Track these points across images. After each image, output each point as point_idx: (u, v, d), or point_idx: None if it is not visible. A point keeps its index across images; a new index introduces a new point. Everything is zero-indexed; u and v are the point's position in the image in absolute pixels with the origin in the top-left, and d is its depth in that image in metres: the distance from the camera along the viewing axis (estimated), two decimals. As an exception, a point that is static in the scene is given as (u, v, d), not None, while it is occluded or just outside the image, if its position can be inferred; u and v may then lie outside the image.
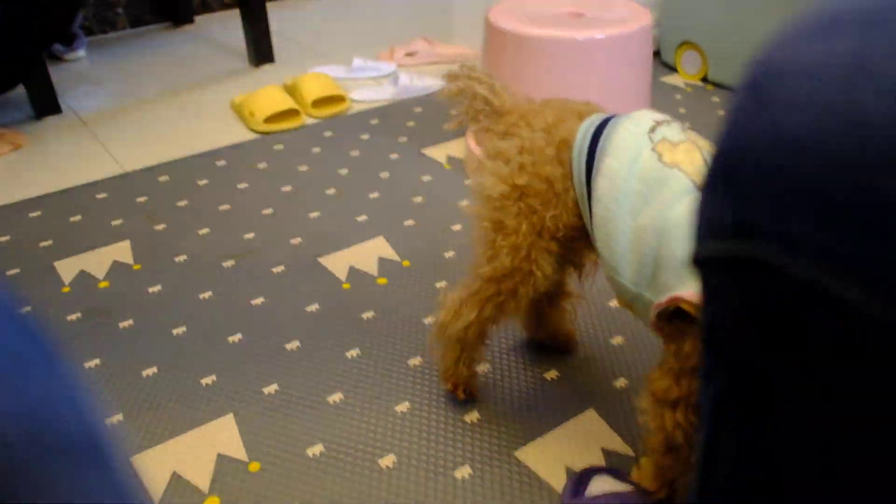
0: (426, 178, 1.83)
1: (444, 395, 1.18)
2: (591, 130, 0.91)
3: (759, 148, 0.27)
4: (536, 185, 0.93)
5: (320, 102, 2.21)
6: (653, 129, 0.87)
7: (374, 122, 2.14)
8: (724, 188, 0.30)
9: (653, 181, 0.83)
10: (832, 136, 0.24)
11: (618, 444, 1.09)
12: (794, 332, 0.28)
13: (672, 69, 2.40)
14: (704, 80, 2.31)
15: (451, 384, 1.15)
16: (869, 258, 0.24)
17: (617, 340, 1.28)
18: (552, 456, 1.07)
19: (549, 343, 1.26)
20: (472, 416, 1.14)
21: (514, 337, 1.29)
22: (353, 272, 1.48)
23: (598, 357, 1.25)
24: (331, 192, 1.78)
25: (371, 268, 1.49)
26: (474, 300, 1.03)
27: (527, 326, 1.25)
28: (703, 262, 0.34)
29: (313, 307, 1.39)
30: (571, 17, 1.70)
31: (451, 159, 1.92)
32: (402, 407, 1.16)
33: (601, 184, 0.89)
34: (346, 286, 1.44)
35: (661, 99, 2.19)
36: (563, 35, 1.58)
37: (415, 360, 1.25)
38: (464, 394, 1.15)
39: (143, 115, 2.26)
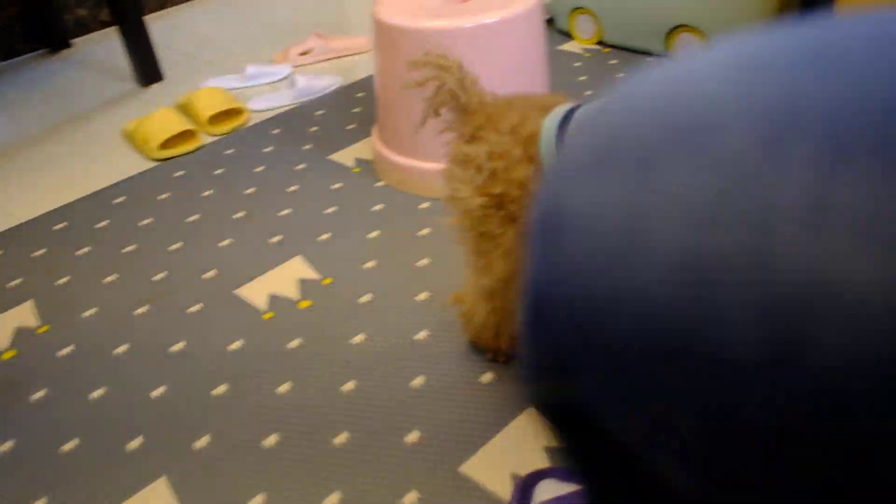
0: (336, 185, 1.78)
1: (380, 419, 1.15)
2: (557, 121, 0.89)
3: (550, 300, 0.24)
4: (513, 191, 0.94)
5: (217, 118, 2.12)
6: None
7: (276, 131, 2.07)
8: (529, 331, 0.27)
9: None
10: (608, 315, 0.21)
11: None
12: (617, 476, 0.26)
13: (567, 36, 2.39)
14: (601, 43, 2.32)
15: (490, 355, 1.22)
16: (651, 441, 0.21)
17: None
18: (497, 464, 1.06)
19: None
20: (413, 437, 1.12)
21: (443, 344, 1.28)
22: (274, 300, 1.43)
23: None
24: (240, 215, 1.72)
25: (292, 292, 1.45)
26: (484, 303, 1.09)
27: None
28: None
29: (237, 344, 1.34)
30: (458, 3, 1.67)
31: (359, 162, 1.87)
32: (342, 438, 1.13)
33: None
34: (267, 316, 1.39)
35: (560, 68, 2.19)
36: (451, 25, 1.55)
37: (348, 386, 1.22)
38: (503, 356, 1.21)
39: (28, 157, 2.12)
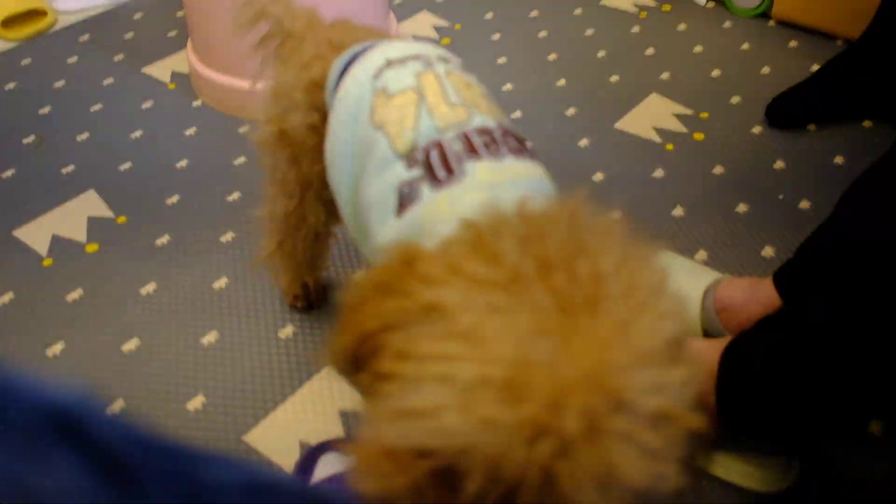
0: (147, 104, 1.58)
1: (161, 383, 1.04)
2: (339, 71, 0.76)
3: None
4: (292, 133, 0.82)
5: (14, 21, 1.83)
6: (378, 75, 0.73)
7: (84, 38, 1.81)
8: None
9: (365, 145, 0.71)
10: None
11: (355, 401, 1.01)
12: None
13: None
14: None
15: (290, 298, 1.12)
16: None
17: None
18: (285, 432, 0.98)
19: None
20: (196, 403, 1.02)
21: (244, 292, 1.16)
22: (57, 243, 1.26)
23: (337, 308, 1.14)
24: (28, 140, 1.50)
25: (79, 233, 1.28)
26: (272, 235, 0.99)
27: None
28: None
29: (6, 297, 1.17)
30: None
31: (176, 77, 1.66)
32: (116, 406, 1.02)
33: (327, 144, 0.77)
34: (47, 263, 1.23)
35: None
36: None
37: (129, 345, 1.09)
38: (303, 302, 1.12)
39: None
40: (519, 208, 0.50)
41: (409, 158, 0.66)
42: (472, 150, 0.65)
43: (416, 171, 0.65)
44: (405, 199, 0.65)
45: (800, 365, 0.77)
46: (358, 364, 0.49)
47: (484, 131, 0.67)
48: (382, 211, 0.67)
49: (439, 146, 0.65)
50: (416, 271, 0.46)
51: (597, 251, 0.44)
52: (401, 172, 0.66)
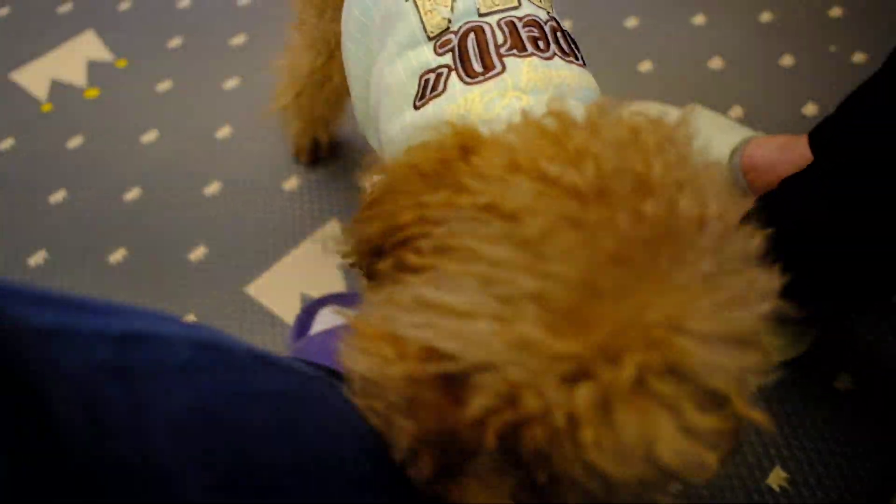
0: (146, -63, 1.48)
1: (164, 234, 1.03)
2: None
3: None
4: None
5: None
6: None
7: None
8: None
9: (389, 16, 0.60)
10: None
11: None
12: None
13: None
14: None
15: (297, 151, 1.08)
16: None
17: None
18: (285, 285, 0.97)
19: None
20: (198, 254, 1.01)
21: (249, 143, 1.13)
22: (56, 88, 1.22)
23: (346, 163, 1.10)
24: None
25: (78, 77, 1.24)
26: (289, 88, 0.94)
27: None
28: None
29: (6, 144, 1.15)
30: None
31: None
32: (118, 255, 1.02)
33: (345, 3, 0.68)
34: (46, 108, 1.20)
35: None
36: None
37: (132, 194, 1.08)
38: (310, 156, 1.08)
39: None
40: (591, 116, 0.40)
41: (439, 41, 0.56)
42: (516, 43, 0.54)
43: (447, 59, 0.55)
44: (428, 89, 0.54)
45: (827, 228, 0.72)
46: (380, 253, 0.43)
47: (533, 23, 0.55)
48: (399, 99, 0.57)
49: (478, 32, 0.55)
50: (473, 163, 0.39)
51: (702, 189, 0.37)
52: (428, 57, 0.55)
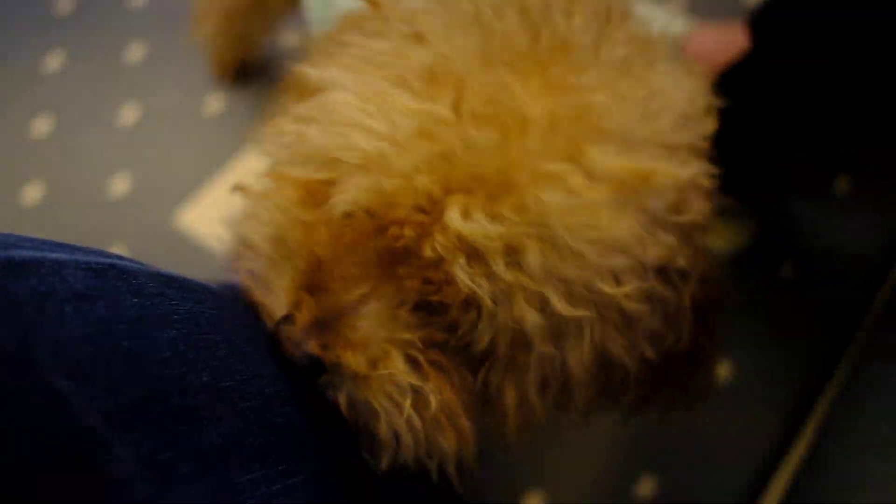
0: None
1: (81, 167, 0.98)
2: None
3: None
4: None
5: None
6: None
7: None
8: None
9: None
10: None
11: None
12: None
13: None
14: None
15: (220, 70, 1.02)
16: None
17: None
18: (215, 211, 0.94)
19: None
20: (121, 185, 0.97)
21: (164, 63, 1.06)
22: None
23: (269, 74, 1.05)
24: None
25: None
26: (217, 8, 0.88)
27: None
28: None
29: None
30: None
31: None
32: (35, 192, 0.97)
33: None
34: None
35: None
36: None
37: (41, 127, 1.02)
38: (233, 76, 1.02)
39: None
40: None
41: None
42: None
43: None
44: None
45: (765, 109, 0.71)
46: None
47: None
48: None
49: None
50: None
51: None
52: None
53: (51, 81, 1.05)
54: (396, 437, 0.38)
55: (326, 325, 0.37)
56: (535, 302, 0.34)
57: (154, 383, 0.31)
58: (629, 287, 0.36)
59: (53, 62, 1.07)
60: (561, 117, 0.34)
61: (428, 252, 0.34)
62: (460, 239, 0.34)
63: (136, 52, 1.07)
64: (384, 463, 0.38)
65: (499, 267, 0.34)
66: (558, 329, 0.36)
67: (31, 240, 0.33)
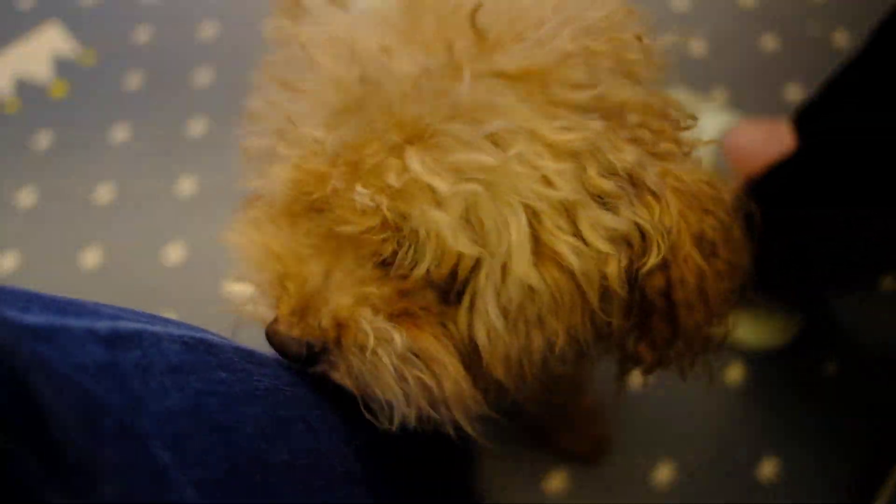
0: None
1: (139, 235, 1.03)
2: None
3: None
4: None
5: None
6: None
7: None
8: None
9: None
10: None
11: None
12: None
13: None
14: None
15: None
16: None
17: None
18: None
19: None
20: (177, 254, 1.01)
21: (224, 137, 1.12)
22: (23, 87, 1.21)
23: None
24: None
25: (45, 74, 1.22)
26: None
27: None
28: None
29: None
30: None
31: None
32: (94, 258, 1.01)
33: None
34: (11, 109, 1.18)
35: None
36: None
37: (103, 194, 1.07)
38: None
39: None
40: None
41: None
42: None
43: None
44: None
45: (812, 210, 0.73)
46: None
47: None
48: None
49: None
50: None
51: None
52: None
53: (116, 152, 1.11)
54: (390, 390, 0.42)
55: (305, 311, 0.42)
56: (428, 195, 0.38)
57: (239, 458, 0.33)
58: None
59: (120, 134, 1.13)
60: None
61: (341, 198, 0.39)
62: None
63: (197, 128, 1.13)
64: (394, 422, 0.42)
65: (389, 177, 0.38)
66: (484, 236, 0.39)
67: (132, 312, 0.36)
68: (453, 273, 0.41)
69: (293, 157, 0.41)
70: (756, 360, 0.89)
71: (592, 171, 0.40)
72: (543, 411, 0.83)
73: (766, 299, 0.88)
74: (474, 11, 0.39)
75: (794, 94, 1.12)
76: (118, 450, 0.29)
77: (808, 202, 0.75)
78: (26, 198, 1.07)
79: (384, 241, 0.40)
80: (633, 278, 0.44)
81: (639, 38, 0.45)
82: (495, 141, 0.38)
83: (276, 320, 0.42)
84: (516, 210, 0.39)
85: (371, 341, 0.41)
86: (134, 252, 1.02)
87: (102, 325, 0.31)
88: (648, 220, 0.42)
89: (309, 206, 0.42)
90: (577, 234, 0.40)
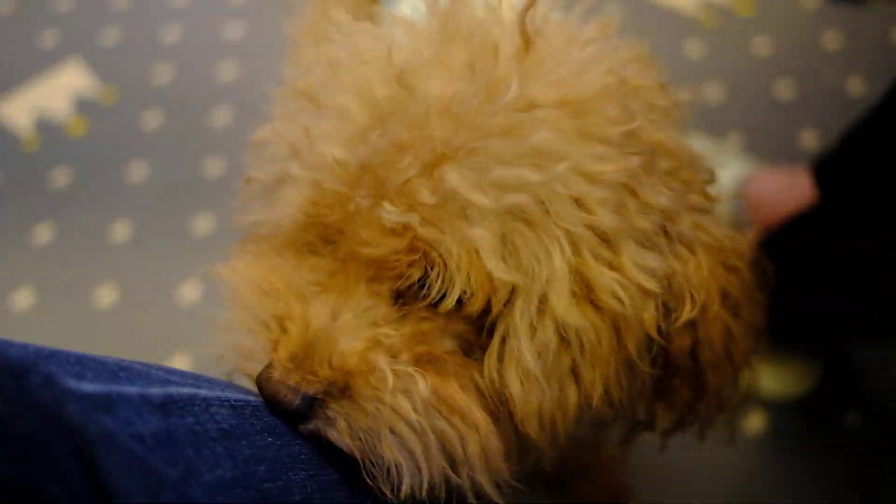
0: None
1: (151, 275, 1.04)
2: None
3: None
4: None
5: None
6: None
7: None
8: None
9: None
10: None
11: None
12: None
13: None
14: None
15: None
16: None
17: None
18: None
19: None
20: (190, 295, 1.01)
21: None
22: (43, 125, 1.22)
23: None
24: (3, 5, 1.43)
25: (64, 111, 1.24)
26: None
27: None
28: None
29: (-5, 180, 1.16)
30: None
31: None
32: (107, 295, 1.02)
33: None
34: (30, 147, 1.20)
35: None
36: None
37: (119, 231, 1.08)
38: None
39: None
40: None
41: None
42: None
43: None
44: None
45: (832, 263, 0.74)
46: None
47: None
48: None
49: None
50: None
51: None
52: None
53: (133, 190, 1.12)
54: (404, 448, 0.37)
55: (306, 357, 0.37)
56: (464, 214, 0.35)
57: None
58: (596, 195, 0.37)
59: (138, 173, 1.14)
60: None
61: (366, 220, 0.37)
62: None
63: (215, 167, 1.14)
64: (405, 488, 0.37)
65: (422, 194, 0.35)
66: (522, 263, 0.36)
67: (180, 373, 0.36)
68: (485, 309, 0.37)
69: (309, 177, 0.38)
70: (777, 409, 0.89)
71: (632, 207, 0.38)
72: (560, 463, 0.83)
73: (786, 347, 0.89)
74: (522, 25, 0.38)
75: (809, 140, 1.13)
76: None
77: (828, 252, 0.75)
78: (43, 235, 1.09)
79: (411, 265, 0.37)
80: (663, 334, 0.41)
81: (662, 86, 0.45)
82: (536, 163, 0.36)
83: (270, 365, 0.38)
84: (558, 236, 0.36)
85: (390, 385, 0.36)
86: (149, 291, 1.02)
87: (155, 391, 0.32)
88: (682, 272, 0.40)
89: (320, 236, 0.39)
90: (619, 269, 0.38)
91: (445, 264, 0.36)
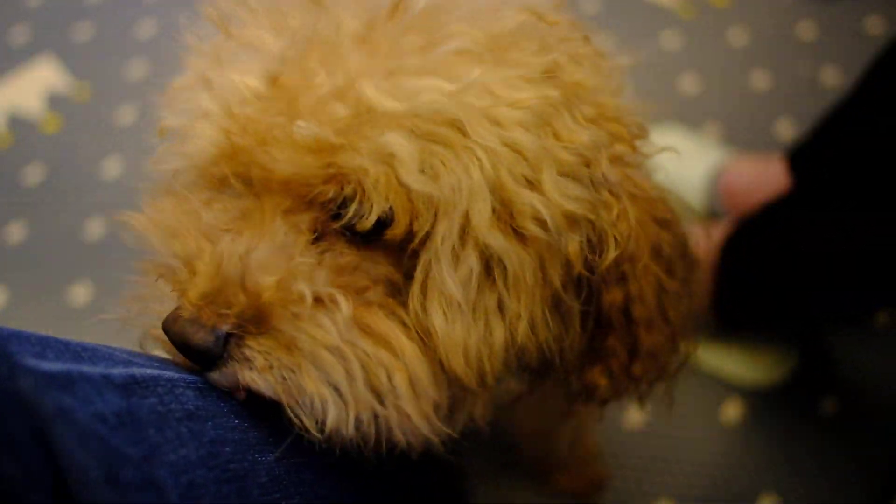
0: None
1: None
2: None
3: None
4: None
5: None
6: None
7: None
8: None
9: None
10: None
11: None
12: None
13: None
14: None
15: None
16: None
17: None
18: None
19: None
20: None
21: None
22: (15, 122, 1.22)
23: None
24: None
25: (37, 108, 1.23)
26: None
27: None
28: None
29: (-39, 178, 1.15)
30: None
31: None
32: (81, 292, 1.01)
33: None
34: (2, 144, 1.19)
35: None
36: None
37: (92, 229, 1.08)
38: None
39: None
40: None
41: None
42: None
43: None
44: None
45: (806, 249, 0.75)
46: None
47: None
48: None
49: None
50: None
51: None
52: None
53: (108, 187, 1.12)
54: (328, 380, 0.35)
55: (218, 295, 0.35)
56: (380, 124, 0.34)
57: None
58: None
59: (112, 170, 1.14)
60: None
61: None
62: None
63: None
64: (329, 422, 0.35)
65: (335, 109, 0.34)
66: (440, 179, 0.35)
67: (144, 356, 0.36)
68: (408, 239, 0.36)
69: (221, 106, 0.37)
70: (753, 397, 0.91)
71: (551, 136, 0.37)
72: (540, 451, 0.84)
73: (761, 335, 0.90)
74: None
75: (785, 130, 1.15)
76: (139, 501, 0.29)
77: (801, 239, 0.76)
78: (16, 233, 1.08)
79: (327, 181, 0.35)
80: (588, 282, 0.40)
81: (586, 39, 0.43)
82: (450, 75, 0.35)
83: (178, 307, 0.36)
84: (475, 151, 0.35)
85: (308, 305, 0.35)
86: (124, 289, 1.02)
87: (118, 371, 0.32)
88: (606, 216, 0.39)
89: (233, 171, 0.37)
90: (539, 189, 0.36)
91: (361, 182, 0.35)
